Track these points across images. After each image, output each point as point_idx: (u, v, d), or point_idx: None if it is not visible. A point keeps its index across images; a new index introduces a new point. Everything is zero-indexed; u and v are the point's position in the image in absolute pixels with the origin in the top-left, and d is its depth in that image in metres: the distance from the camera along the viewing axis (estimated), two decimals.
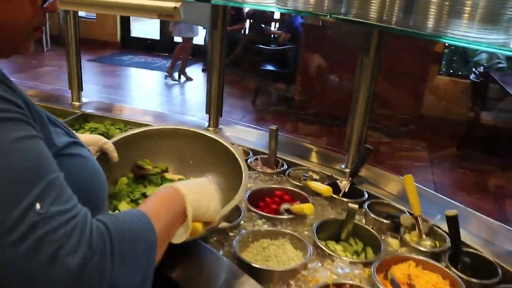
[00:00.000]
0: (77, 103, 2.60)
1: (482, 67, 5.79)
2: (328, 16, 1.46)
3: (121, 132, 2.26)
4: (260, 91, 6.80)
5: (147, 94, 7.04)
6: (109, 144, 1.37)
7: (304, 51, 5.89)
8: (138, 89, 7.46)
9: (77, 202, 0.70)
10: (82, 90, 2.61)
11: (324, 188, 1.67)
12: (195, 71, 8.18)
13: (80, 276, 0.61)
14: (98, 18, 9.34)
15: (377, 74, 1.76)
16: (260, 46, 6.88)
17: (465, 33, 1.21)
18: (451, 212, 1.41)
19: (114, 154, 1.37)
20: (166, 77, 7.56)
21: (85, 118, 2.43)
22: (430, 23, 1.33)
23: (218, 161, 1.45)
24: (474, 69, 5.81)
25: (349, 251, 1.51)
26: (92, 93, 5.86)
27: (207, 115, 2.28)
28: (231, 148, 1.44)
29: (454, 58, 6.70)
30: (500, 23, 1.18)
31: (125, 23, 9.40)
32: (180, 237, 0.92)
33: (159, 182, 1.45)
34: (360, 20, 1.42)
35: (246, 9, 7.86)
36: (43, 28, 0.86)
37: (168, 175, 1.49)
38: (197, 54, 8.23)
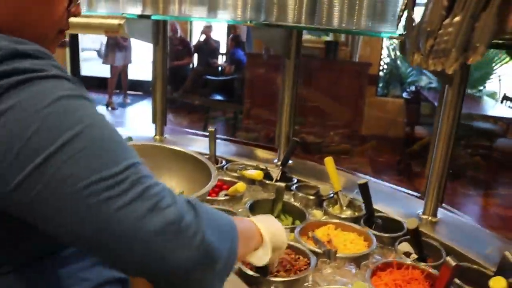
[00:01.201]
0: None
1: (413, 87, 6.29)
2: (249, 22, 1.72)
3: None
4: (210, 120, 7.04)
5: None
6: None
7: (248, 79, 6.20)
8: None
9: None
10: None
11: (255, 173, 1.88)
12: (147, 105, 8.34)
13: (178, 225, 0.63)
14: None
15: (298, 75, 2.02)
16: (208, 77, 7.17)
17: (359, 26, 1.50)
18: (362, 181, 1.65)
19: None
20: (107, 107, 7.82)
21: None
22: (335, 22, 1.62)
23: (179, 167, 1.59)
24: (407, 89, 6.30)
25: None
26: None
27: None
28: (189, 152, 1.61)
29: (389, 80, 7.20)
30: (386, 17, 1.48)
31: (75, 62, 9.48)
32: (260, 259, 1.02)
33: None
34: (276, 23, 1.68)
35: (193, 43, 8.19)
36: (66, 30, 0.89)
37: None
38: (146, 89, 8.44)
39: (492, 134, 5.72)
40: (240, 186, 1.71)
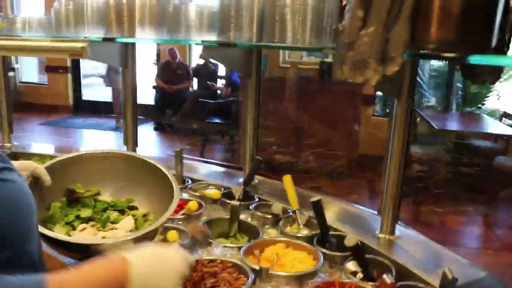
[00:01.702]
0: (8, 144, 2.75)
1: None
2: (201, 42, 1.73)
3: None
4: (207, 143, 7.05)
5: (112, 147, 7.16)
6: (40, 169, 1.40)
7: (242, 102, 6.22)
8: (89, 147, 7.57)
9: None
10: (12, 133, 2.76)
11: (213, 192, 1.86)
12: (147, 130, 8.40)
13: None
14: (50, 83, 9.56)
15: (260, 94, 2.02)
16: (205, 100, 7.21)
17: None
18: (315, 198, 1.61)
19: (47, 178, 1.40)
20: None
21: (15, 156, 2.58)
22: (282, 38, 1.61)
23: (148, 180, 1.55)
24: None
25: (236, 244, 1.69)
26: None
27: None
28: (159, 166, 1.55)
29: (387, 100, 7.19)
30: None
31: (77, 87, 9.63)
32: None
33: (92, 204, 1.50)
34: (227, 42, 1.68)
35: (192, 67, 8.27)
36: None
37: (101, 198, 1.54)
38: (146, 113, 8.52)
39: (491, 152, 5.65)
40: (192, 204, 1.70)
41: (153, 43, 6.45)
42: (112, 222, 1.45)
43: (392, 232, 1.62)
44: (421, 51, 1.11)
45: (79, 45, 1.97)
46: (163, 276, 0.92)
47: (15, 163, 1.26)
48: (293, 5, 1.53)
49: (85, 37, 2.01)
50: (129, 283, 0.84)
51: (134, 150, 2.49)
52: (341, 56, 1.14)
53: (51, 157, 2.46)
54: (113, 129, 8.25)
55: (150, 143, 7.51)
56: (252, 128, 2.08)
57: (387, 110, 7.20)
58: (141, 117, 8.60)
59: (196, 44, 1.78)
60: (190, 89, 8.29)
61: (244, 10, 1.66)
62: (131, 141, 2.46)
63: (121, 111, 8.33)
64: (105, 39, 2.03)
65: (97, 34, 2.05)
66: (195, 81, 8.29)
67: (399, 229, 1.67)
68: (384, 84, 1.50)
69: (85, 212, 1.45)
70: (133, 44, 2.28)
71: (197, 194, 1.97)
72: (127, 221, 1.46)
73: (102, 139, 7.94)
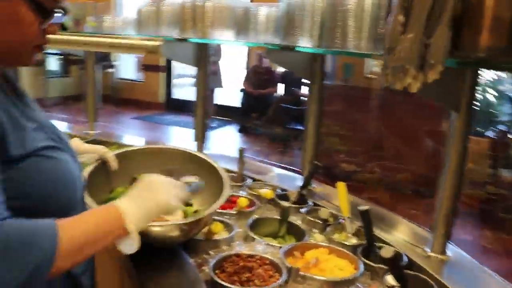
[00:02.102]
0: (91, 132, 3.01)
1: (504, 126, 5.83)
2: (263, 45, 1.77)
3: None
4: (287, 148, 7.10)
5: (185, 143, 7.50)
6: (110, 154, 1.53)
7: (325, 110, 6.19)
8: (175, 141, 7.96)
9: None
10: (96, 121, 3.01)
11: (266, 192, 1.90)
12: (232, 131, 8.65)
13: None
14: (145, 81, 10.21)
15: (323, 100, 2.02)
16: (288, 106, 7.27)
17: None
18: (363, 207, 1.59)
19: (114, 163, 1.52)
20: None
21: (95, 142, 2.83)
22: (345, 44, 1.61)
23: (205, 178, 1.57)
24: (494, 128, 5.85)
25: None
26: None
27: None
28: (215, 165, 1.64)
29: (478, 118, 6.74)
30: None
31: (170, 86, 10.18)
32: (128, 247, 0.99)
33: None
34: (288, 45, 1.71)
35: (278, 72, 8.36)
36: (43, 46, 1.03)
37: None
38: (233, 115, 8.80)
39: None
40: (242, 201, 1.74)
41: (243, 46, 6.63)
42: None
43: (443, 251, 1.55)
44: (469, 59, 1.06)
45: (154, 43, 2.11)
46: (152, 194, 1.07)
47: (87, 146, 1.50)
48: (352, 12, 1.52)
49: (160, 36, 2.14)
50: (125, 217, 0.97)
51: (202, 147, 2.59)
52: (384, 61, 1.13)
53: (128, 146, 2.68)
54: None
55: (232, 144, 7.72)
56: (313, 133, 2.09)
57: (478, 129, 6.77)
58: (227, 119, 9.01)
59: (258, 46, 1.83)
60: (276, 94, 8.41)
61: (307, 15, 1.69)
62: (200, 138, 2.57)
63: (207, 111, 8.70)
64: (178, 39, 2.15)
65: (173, 34, 2.18)
66: (282, 87, 8.39)
67: (453, 250, 1.58)
68: (440, 95, 1.44)
69: None
70: (206, 45, 2.38)
71: (253, 192, 2.02)
72: (176, 213, 1.50)
73: (186, 136, 8.31)
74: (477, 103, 6.66)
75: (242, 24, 1.98)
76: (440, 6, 0.95)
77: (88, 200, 1.29)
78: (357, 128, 5.67)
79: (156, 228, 1.35)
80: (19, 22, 0.94)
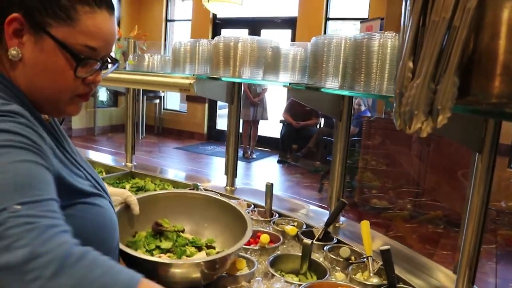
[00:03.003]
0: (129, 164, 3.13)
1: None
2: (289, 85, 1.83)
3: (156, 186, 2.71)
4: (327, 181, 7.05)
5: (218, 175, 7.59)
6: (132, 198, 1.54)
7: (364, 143, 6.15)
8: (212, 172, 8.05)
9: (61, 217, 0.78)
10: (134, 154, 3.13)
11: (290, 228, 1.91)
12: (271, 162, 8.70)
13: (21, 267, 0.66)
14: (189, 111, 10.51)
15: (349, 137, 2.04)
16: (328, 138, 7.25)
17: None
18: (384, 247, 1.57)
19: (136, 208, 1.54)
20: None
21: (132, 175, 2.94)
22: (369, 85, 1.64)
23: (229, 222, 1.65)
24: None
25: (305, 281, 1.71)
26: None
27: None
28: (238, 209, 1.67)
29: None
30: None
31: (212, 117, 10.41)
32: None
33: (174, 238, 1.59)
34: (311, 85, 1.76)
35: None
36: (88, 95, 1.04)
37: (183, 234, 1.63)
38: (273, 146, 8.88)
39: None
40: (264, 237, 1.77)
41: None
42: (188, 256, 1.52)
43: None
44: (478, 106, 1.07)
45: (187, 81, 2.20)
46: None
47: (111, 189, 1.50)
48: (375, 54, 1.55)
49: (193, 75, 2.24)
50: None
51: (233, 181, 2.64)
52: (395, 106, 1.15)
53: (160, 179, 2.77)
54: (239, 159, 8.70)
55: (271, 175, 7.74)
56: (340, 169, 2.10)
57: None
58: (267, 150, 9.09)
59: (284, 86, 1.89)
60: (318, 126, 8.43)
61: (332, 56, 1.73)
62: (231, 173, 2.62)
63: (249, 143, 8.84)
64: (210, 77, 2.24)
65: (205, 72, 2.28)
66: (322, 119, 8.42)
67: None
68: (463, 136, 1.44)
69: (166, 244, 1.56)
70: (239, 83, 2.46)
71: (278, 228, 2.04)
72: (200, 255, 1.54)
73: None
74: None
75: (270, 63, 2.05)
76: (448, 53, 0.97)
77: (122, 246, 1.30)
78: (393, 163, 5.58)
79: (180, 262, 1.38)
80: (54, 70, 0.96)
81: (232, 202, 1.71)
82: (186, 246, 1.57)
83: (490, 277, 4.22)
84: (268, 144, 9.39)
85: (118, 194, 1.53)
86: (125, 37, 3.09)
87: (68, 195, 0.93)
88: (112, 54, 1.12)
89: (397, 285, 1.56)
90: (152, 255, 1.53)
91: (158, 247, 1.55)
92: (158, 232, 1.59)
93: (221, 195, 2.42)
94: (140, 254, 1.40)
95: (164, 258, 1.47)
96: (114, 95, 10.75)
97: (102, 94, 10.67)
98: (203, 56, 2.27)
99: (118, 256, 1.22)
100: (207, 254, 1.52)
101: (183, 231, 1.64)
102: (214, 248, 1.61)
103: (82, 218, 0.98)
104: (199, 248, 1.58)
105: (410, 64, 1.06)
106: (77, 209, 0.97)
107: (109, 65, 1.08)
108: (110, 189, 1.47)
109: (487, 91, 1.01)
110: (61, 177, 0.92)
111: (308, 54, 1.85)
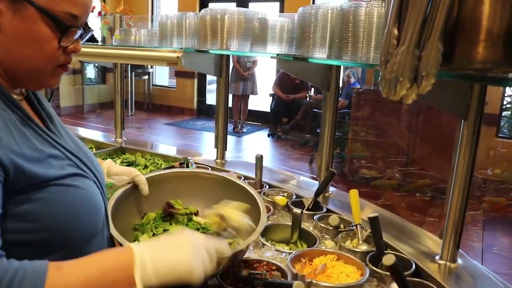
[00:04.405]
0: (119, 139, 3.12)
1: None
2: (276, 56, 1.83)
3: (146, 161, 2.71)
4: (317, 152, 7.11)
5: (209, 149, 7.60)
6: (141, 177, 1.41)
7: (353, 115, 6.18)
8: (203, 146, 8.06)
9: None
10: (124, 129, 3.12)
11: (280, 199, 1.94)
12: (262, 136, 8.72)
13: None
14: (178, 87, 10.45)
15: (337, 106, 2.05)
16: (316, 110, 7.27)
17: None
18: (372, 215, 1.60)
19: (145, 187, 1.41)
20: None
21: (122, 150, 2.94)
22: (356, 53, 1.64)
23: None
24: None
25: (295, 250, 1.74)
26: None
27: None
28: (249, 190, 1.49)
29: None
30: None
31: (202, 92, 10.36)
32: None
33: (184, 222, 1.46)
34: (298, 56, 1.76)
35: None
36: (68, 65, 1.00)
37: (195, 218, 1.50)
38: (263, 120, 8.90)
39: None
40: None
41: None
42: None
43: (453, 259, 1.55)
44: (462, 72, 1.08)
45: (175, 55, 2.19)
46: (175, 254, 0.89)
47: (118, 168, 1.41)
48: (361, 23, 1.55)
49: (181, 48, 2.22)
50: (135, 269, 0.84)
51: (223, 154, 2.66)
52: (380, 74, 1.16)
53: (151, 154, 2.78)
54: (229, 134, 8.70)
55: (261, 149, 7.78)
56: (328, 139, 2.11)
57: None
58: (257, 124, 9.10)
59: (272, 57, 1.88)
60: (307, 99, 8.43)
61: (319, 26, 1.73)
62: (221, 145, 2.63)
63: (240, 117, 8.82)
64: (198, 51, 2.23)
65: (193, 45, 2.26)
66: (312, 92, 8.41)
67: (465, 258, 1.58)
68: (449, 103, 1.46)
69: (174, 229, 1.41)
70: (227, 56, 2.45)
71: (268, 199, 2.07)
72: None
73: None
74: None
75: (258, 35, 2.04)
76: (432, 19, 0.98)
77: (113, 231, 1.18)
78: (383, 134, 5.63)
79: None
80: (37, 40, 0.91)
81: (245, 184, 1.54)
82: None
83: (475, 242, 4.33)
84: (258, 118, 9.39)
85: (125, 173, 1.42)
86: (111, 12, 3.05)
87: (32, 178, 0.88)
88: (98, 30, 1.10)
89: (385, 251, 1.59)
90: None
91: (166, 231, 1.41)
92: (169, 214, 1.47)
93: (212, 168, 2.45)
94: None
95: None
96: (102, 72, 10.62)
97: (90, 72, 10.54)
98: (190, 29, 2.25)
99: (107, 239, 1.15)
100: None
101: (196, 213, 1.51)
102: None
103: (56, 201, 0.92)
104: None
105: (395, 31, 1.07)
106: (47, 192, 0.91)
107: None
108: (116, 168, 1.41)
109: (471, 57, 1.02)
110: (18, 162, 0.86)
111: (295, 25, 1.84)
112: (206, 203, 1.48)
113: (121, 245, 1.15)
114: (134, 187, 1.42)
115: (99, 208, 1.06)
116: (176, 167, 2.31)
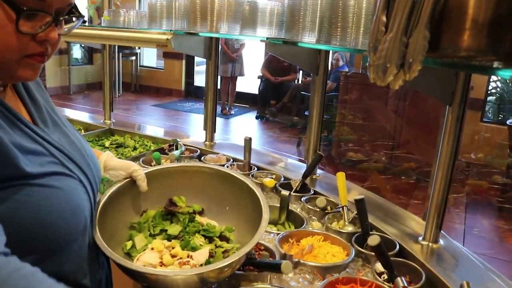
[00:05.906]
0: (108, 121, 3.12)
1: None
2: (266, 39, 1.84)
3: (135, 143, 2.72)
4: (304, 135, 7.16)
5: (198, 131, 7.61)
6: (139, 172, 1.28)
7: (341, 98, 6.21)
8: (191, 128, 8.05)
9: None
10: (112, 111, 3.12)
11: (268, 181, 1.97)
12: (250, 118, 8.74)
13: None
14: (166, 68, 10.37)
15: (325, 89, 2.08)
16: (304, 93, 7.30)
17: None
18: (358, 197, 1.65)
19: (143, 183, 1.29)
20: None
21: (111, 132, 2.94)
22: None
23: (241, 198, 1.35)
24: None
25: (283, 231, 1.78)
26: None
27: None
28: (251, 186, 1.34)
29: (501, 105, 6.67)
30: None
31: (190, 74, 10.30)
32: None
33: (185, 222, 1.33)
34: (288, 39, 1.77)
35: None
36: (43, 55, 0.87)
37: (198, 218, 1.36)
38: (251, 102, 8.90)
39: None
40: None
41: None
42: (193, 248, 1.24)
43: (435, 240, 1.60)
44: (447, 60, 1.11)
45: (164, 37, 2.18)
46: None
47: (115, 162, 1.29)
48: (351, 8, 1.57)
49: (170, 30, 2.22)
50: None
51: (212, 136, 2.68)
52: (368, 59, 1.18)
53: (140, 136, 2.79)
54: (217, 116, 8.71)
55: (249, 131, 7.80)
56: (317, 122, 2.15)
57: (501, 116, 6.70)
58: (245, 106, 9.10)
59: (261, 41, 1.89)
60: (296, 81, 8.44)
61: (309, 11, 1.74)
62: (210, 128, 2.65)
63: (228, 99, 8.79)
64: (187, 33, 2.23)
65: (182, 28, 2.26)
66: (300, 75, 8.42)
67: (447, 239, 1.64)
68: (434, 89, 1.49)
69: (174, 229, 1.31)
70: (217, 39, 2.45)
71: (256, 181, 2.10)
72: (202, 253, 1.22)
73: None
74: (498, 91, 6.62)
75: (247, 18, 2.04)
76: (420, 7, 1.00)
77: (96, 235, 1.08)
78: (371, 117, 5.70)
79: (167, 273, 1.10)
80: None
81: (247, 180, 1.37)
82: (196, 235, 1.30)
83: (457, 224, 4.44)
84: (246, 100, 9.39)
85: (123, 168, 1.29)
86: None
87: (1, 177, 0.80)
88: (85, 10, 1.02)
89: (370, 232, 1.64)
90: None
91: (164, 231, 1.31)
92: (169, 212, 1.35)
93: (201, 150, 2.47)
94: (120, 258, 1.08)
95: (151, 259, 1.19)
96: (89, 53, 10.48)
97: (76, 52, 10.40)
98: (180, 11, 2.24)
99: (89, 244, 1.04)
100: (212, 252, 1.23)
101: (201, 212, 1.39)
102: (228, 240, 1.30)
103: (24, 202, 0.83)
104: (210, 239, 1.30)
105: (384, 18, 1.09)
106: (17, 192, 0.82)
107: (74, 20, 0.92)
108: (114, 162, 1.29)
109: (456, 44, 1.05)
110: None
111: (285, 9, 1.85)
112: (212, 200, 1.40)
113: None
114: (132, 182, 1.30)
115: (78, 211, 0.95)
116: (182, 161, 2.27)
